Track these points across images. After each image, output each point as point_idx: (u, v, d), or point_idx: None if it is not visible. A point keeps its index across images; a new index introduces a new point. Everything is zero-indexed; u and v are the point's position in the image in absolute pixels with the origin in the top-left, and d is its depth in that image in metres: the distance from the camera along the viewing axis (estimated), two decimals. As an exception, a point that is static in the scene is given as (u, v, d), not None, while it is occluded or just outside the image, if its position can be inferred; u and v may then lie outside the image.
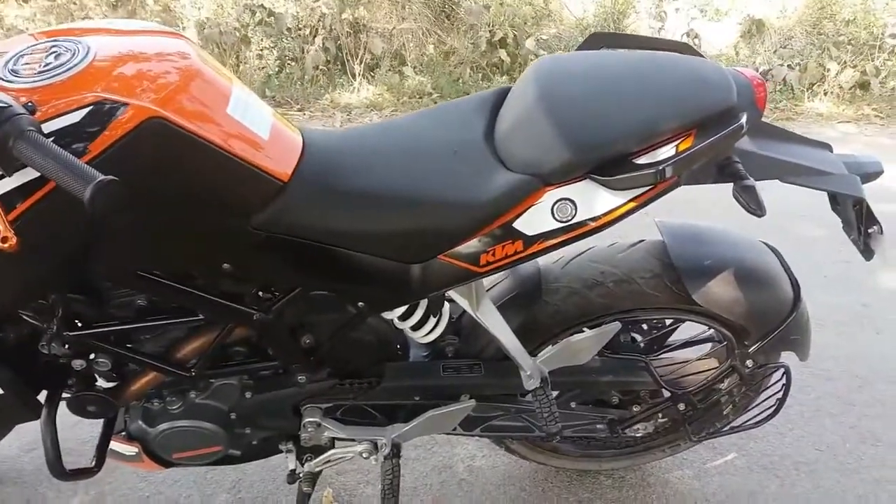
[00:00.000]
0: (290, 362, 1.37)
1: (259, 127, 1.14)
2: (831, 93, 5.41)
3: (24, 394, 1.27)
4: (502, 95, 1.32)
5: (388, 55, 5.67)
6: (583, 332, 1.45)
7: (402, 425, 1.48)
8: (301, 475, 1.53)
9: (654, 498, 1.85)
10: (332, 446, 1.55)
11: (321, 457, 1.51)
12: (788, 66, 5.66)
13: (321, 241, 1.17)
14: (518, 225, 1.15)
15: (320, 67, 5.50)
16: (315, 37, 5.60)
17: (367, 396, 1.46)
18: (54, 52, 1.05)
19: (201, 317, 1.28)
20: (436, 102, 5.21)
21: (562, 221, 1.13)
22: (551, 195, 1.13)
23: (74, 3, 6.06)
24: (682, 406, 1.54)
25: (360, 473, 1.87)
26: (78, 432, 1.94)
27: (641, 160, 1.13)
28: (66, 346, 1.23)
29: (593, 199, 1.12)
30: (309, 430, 1.45)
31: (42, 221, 0.96)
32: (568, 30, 6.50)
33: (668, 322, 1.58)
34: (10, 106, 0.84)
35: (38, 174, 0.94)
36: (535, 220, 1.14)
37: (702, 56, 1.31)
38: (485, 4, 5.76)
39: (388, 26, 5.79)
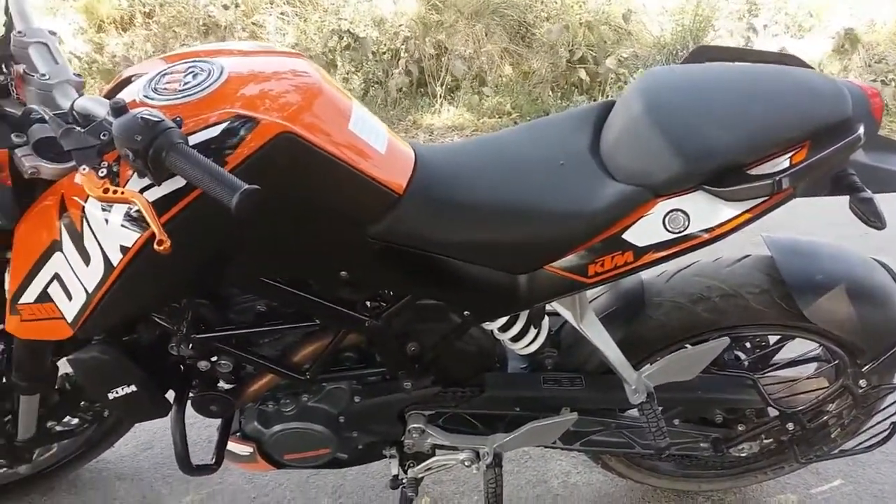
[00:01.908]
0: (397, 368, 1.42)
1: (376, 142, 1.20)
2: None
3: (154, 392, 1.36)
4: (606, 109, 1.34)
5: (469, 77, 5.76)
6: (686, 347, 1.45)
7: (503, 435, 1.50)
8: (405, 481, 1.57)
9: (755, 522, 1.80)
10: (433, 454, 1.59)
11: (424, 463, 1.55)
12: (882, 81, 5.44)
13: (432, 251, 1.22)
14: (628, 236, 1.17)
15: (403, 90, 5.64)
16: (398, 60, 5.75)
17: (468, 405, 1.49)
18: (192, 71, 1.14)
19: (316, 322, 1.35)
20: (515, 122, 5.26)
21: (674, 232, 1.14)
22: (663, 206, 1.15)
23: (172, 32, 6.43)
24: (790, 426, 1.50)
25: (455, 483, 1.90)
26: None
27: (754, 171, 1.13)
28: (193, 348, 1.32)
29: (707, 210, 1.13)
30: (413, 435, 1.50)
31: (186, 228, 1.04)
32: (645, 49, 6.45)
33: (772, 339, 1.55)
34: (163, 120, 0.92)
35: (182, 184, 1.03)
36: (646, 231, 1.16)
37: (811, 68, 1.30)
38: (564, 25, 5.78)
39: (466, 49, 5.89)
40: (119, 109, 0.93)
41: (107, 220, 1.04)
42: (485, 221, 1.21)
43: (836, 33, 6.61)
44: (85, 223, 1.06)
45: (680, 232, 1.14)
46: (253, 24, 6.60)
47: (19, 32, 1.13)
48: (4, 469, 1.60)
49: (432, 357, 1.41)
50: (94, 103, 0.99)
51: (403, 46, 5.84)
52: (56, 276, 1.13)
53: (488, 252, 1.23)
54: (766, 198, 1.12)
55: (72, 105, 1.01)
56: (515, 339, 1.44)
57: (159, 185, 0.99)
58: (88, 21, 6.53)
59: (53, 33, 1.16)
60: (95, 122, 0.96)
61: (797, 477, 1.89)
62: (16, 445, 1.52)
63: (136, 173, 0.98)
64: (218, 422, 1.53)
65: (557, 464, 1.97)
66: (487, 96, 5.54)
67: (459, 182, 1.25)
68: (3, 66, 1.12)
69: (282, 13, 6.71)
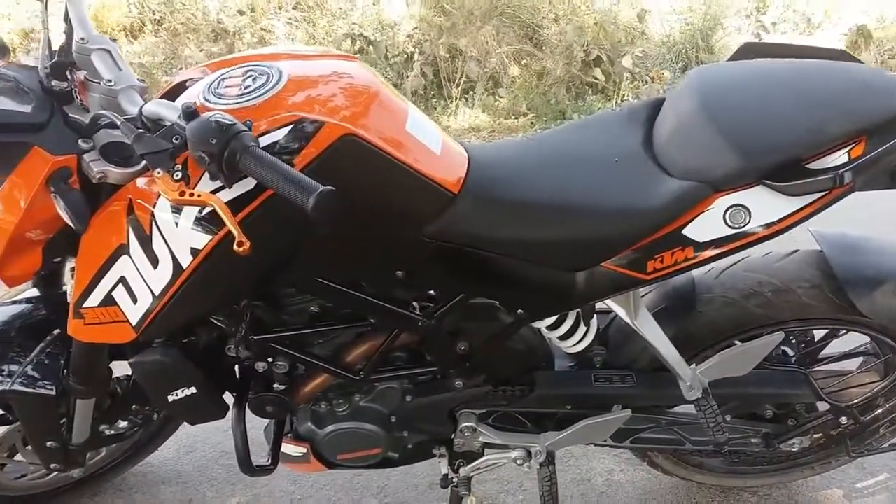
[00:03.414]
0: (448, 368, 1.43)
1: (432, 142, 1.21)
2: None
3: (213, 394, 1.37)
4: (656, 106, 1.35)
5: (483, 78, 5.77)
6: (734, 343, 1.45)
7: (555, 433, 1.50)
8: (456, 480, 1.57)
9: (802, 517, 1.80)
10: (482, 453, 1.60)
11: (477, 461, 1.56)
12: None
13: (487, 250, 1.23)
14: (687, 232, 1.17)
15: (419, 92, 5.66)
16: (412, 63, 5.77)
17: (519, 404, 1.49)
18: (250, 75, 1.15)
19: (370, 323, 1.36)
20: (533, 123, 5.26)
21: (735, 227, 1.14)
22: (723, 201, 1.15)
23: (184, 38, 6.46)
24: (843, 420, 1.50)
25: (499, 483, 1.90)
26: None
27: (813, 166, 1.13)
28: (251, 349, 1.33)
29: (768, 205, 1.13)
30: (465, 434, 1.50)
31: (255, 230, 1.05)
32: (654, 48, 6.44)
33: (817, 334, 1.55)
34: (236, 123, 0.93)
35: (251, 187, 1.04)
36: (706, 226, 1.16)
37: (861, 62, 1.30)
38: (578, 25, 5.79)
39: (479, 51, 5.90)
40: (191, 113, 0.94)
41: (177, 223, 1.06)
42: (541, 219, 1.22)
43: (848, 29, 6.60)
44: (154, 226, 1.07)
45: (741, 227, 1.14)
46: (262, 29, 6.65)
47: (82, 39, 1.14)
48: (58, 473, 1.61)
49: (483, 356, 1.42)
50: (164, 107, 1.00)
51: (417, 49, 5.87)
52: (122, 280, 1.14)
53: (544, 250, 1.23)
54: (825, 192, 1.13)
55: (140, 110, 1.02)
56: (564, 336, 1.45)
57: (230, 187, 1.00)
58: (98, 29, 6.58)
59: (114, 40, 1.17)
60: (167, 126, 0.97)
61: (841, 472, 1.88)
62: (70, 449, 1.53)
63: (208, 176, 0.99)
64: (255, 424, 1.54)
65: (600, 462, 1.97)
66: (502, 97, 5.55)
67: (514, 180, 1.25)
68: (67, 72, 1.13)
69: (290, 18, 6.76)
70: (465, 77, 5.67)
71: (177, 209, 1.05)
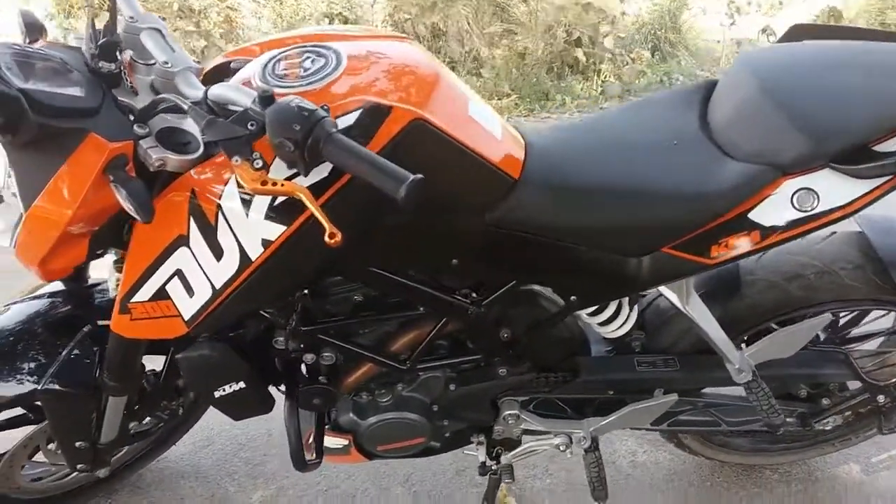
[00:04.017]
0: (493, 355, 1.41)
1: (493, 127, 1.18)
2: None
3: (260, 387, 1.33)
4: (708, 88, 1.34)
5: (465, 58, 5.72)
6: (771, 326, 1.46)
7: (599, 419, 1.50)
8: (499, 467, 1.56)
9: (824, 492, 1.84)
10: (520, 440, 1.59)
11: (521, 448, 1.55)
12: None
13: (545, 236, 1.21)
14: (753, 216, 1.16)
15: (399, 73, 5.58)
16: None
17: (562, 390, 1.48)
18: (308, 57, 1.11)
19: (416, 311, 1.33)
20: (517, 104, 5.24)
21: (803, 211, 1.14)
22: (790, 185, 1.14)
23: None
24: (881, 398, 1.53)
25: (526, 468, 1.90)
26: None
27: (879, 149, 1.13)
28: (300, 341, 1.29)
29: (836, 188, 1.13)
30: (509, 422, 1.49)
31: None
32: (623, 28, 6.43)
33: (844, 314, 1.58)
34: (316, 110, 0.89)
35: (325, 175, 1.00)
36: (773, 210, 1.15)
37: None
38: (559, 6, 5.76)
39: (460, 30, 5.84)
40: (268, 98, 0.90)
41: (247, 214, 1.01)
42: (603, 204, 1.20)
43: (820, 10, 6.71)
44: (220, 217, 1.02)
45: (810, 210, 1.14)
46: (228, 7, 6.48)
47: (131, 18, 1.08)
48: (85, 473, 1.55)
49: (527, 343, 1.40)
50: (235, 91, 0.95)
51: (398, 29, 5.78)
52: (178, 273, 1.09)
53: (606, 235, 1.21)
54: (893, 175, 1.13)
55: (205, 94, 0.97)
56: (606, 322, 1.44)
57: (306, 175, 0.96)
58: (58, 6, 6.36)
59: (163, 19, 1.11)
60: (240, 112, 0.92)
61: (857, 448, 1.92)
62: (98, 448, 1.48)
63: (285, 164, 0.94)
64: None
65: (623, 444, 1.98)
66: (484, 77, 5.51)
67: (572, 165, 1.23)
68: (117, 53, 1.07)
69: (257, -5, 6.61)
70: (447, 57, 5.61)
71: (247, 199, 1.01)
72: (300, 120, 0.87)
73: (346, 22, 5.90)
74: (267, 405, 1.37)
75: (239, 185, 1.00)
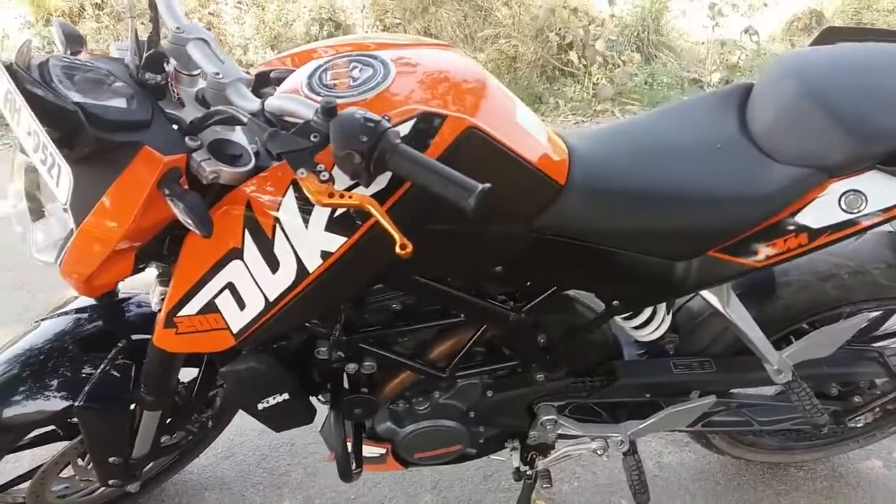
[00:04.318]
0: (531, 361, 1.41)
1: (538, 133, 1.18)
2: None
3: (303, 398, 1.32)
4: (744, 92, 1.34)
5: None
6: (804, 326, 1.47)
7: (637, 422, 1.51)
8: (534, 472, 1.56)
9: (848, 488, 1.85)
10: (554, 445, 1.59)
11: (557, 452, 1.55)
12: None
13: (591, 241, 1.21)
14: (801, 218, 1.17)
15: (392, 77, 5.56)
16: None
17: (600, 394, 1.48)
18: (355, 66, 1.10)
19: (455, 319, 1.33)
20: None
21: (851, 213, 1.15)
22: (837, 187, 1.15)
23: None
24: (914, 395, 1.55)
25: (555, 471, 1.89)
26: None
27: None
28: (344, 350, 1.29)
29: (883, 189, 1.14)
30: (547, 427, 1.49)
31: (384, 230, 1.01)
32: (605, 31, 6.44)
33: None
34: (381, 121, 0.88)
35: (383, 186, 0.99)
36: (821, 212, 1.16)
37: None
38: (550, 8, 5.78)
39: (451, 33, 5.84)
40: (331, 109, 0.88)
41: (306, 226, 1.00)
42: (648, 208, 1.20)
43: (801, 12, 6.79)
44: (278, 229, 1.01)
45: (858, 212, 1.15)
46: (210, 14, 6.43)
47: (178, 29, 1.06)
48: (116, 489, 1.53)
49: (565, 348, 1.40)
50: (294, 103, 0.94)
51: (388, 32, 5.76)
52: (229, 286, 1.07)
53: (652, 240, 1.21)
54: None
55: (263, 105, 0.96)
56: (641, 325, 1.44)
57: (367, 186, 0.95)
58: (36, 14, 6.28)
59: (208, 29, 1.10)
60: (302, 124, 0.91)
61: (878, 444, 1.94)
62: (130, 463, 1.45)
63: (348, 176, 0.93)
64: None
65: (648, 445, 1.99)
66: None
67: (616, 169, 1.23)
68: (164, 64, 1.05)
69: (238, 2, 6.55)
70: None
71: (306, 211, 0.99)
72: (366, 131, 0.86)
73: (337, 27, 5.88)
74: (309, 416, 1.36)
75: (298, 198, 0.99)
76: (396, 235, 0.88)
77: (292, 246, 1.02)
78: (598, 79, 5.53)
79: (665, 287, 1.27)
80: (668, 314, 1.46)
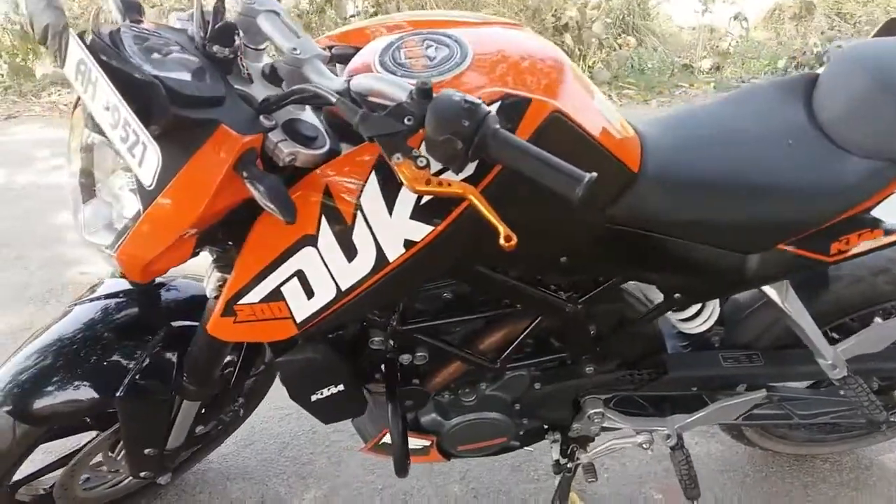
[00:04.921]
0: (582, 353, 1.38)
1: (613, 118, 1.14)
2: None
3: (357, 389, 1.27)
4: (809, 82, 1.31)
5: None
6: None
7: (685, 416, 1.49)
8: (575, 464, 1.54)
9: (874, 480, 1.87)
10: (593, 438, 1.57)
11: (603, 445, 1.53)
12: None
13: (659, 232, 1.18)
14: (878, 213, 1.15)
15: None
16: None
17: (648, 387, 1.46)
18: (429, 45, 1.05)
19: (508, 309, 1.29)
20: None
21: (931, 208, 1.13)
22: None
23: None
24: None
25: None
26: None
27: None
28: (400, 340, 1.24)
29: (965, 184, 1.13)
30: (594, 420, 1.46)
31: (472, 218, 0.97)
32: (601, 13, 6.37)
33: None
34: (481, 104, 0.82)
35: (470, 173, 0.94)
36: None
37: None
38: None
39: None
40: (427, 91, 0.83)
41: (390, 213, 0.95)
42: (721, 200, 1.17)
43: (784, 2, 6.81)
44: (359, 216, 0.96)
45: (938, 208, 1.13)
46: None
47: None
48: (147, 480, 1.47)
49: (615, 340, 1.38)
50: (384, 83, 0.88)
51: (381, 7, 5.64)
52: (298, 273, 1.02)
53: (722, 231, 1.19)
54: None
55: (348, 85, 0.90)
56: (690, 318, 1.42)
57: (457, 173, 0.90)
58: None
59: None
60: (394, 105, 0.85)
61: (899, 436, 1.96)
62: (164, 455, 1.40)
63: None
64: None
65: (674, 437, 1.97)
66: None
67: (688, 158, 1.20)
68: (235, 37, 0.98)
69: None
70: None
71: (390, 197, 0.94)
72: (468, 115, 0.80)
73: (327, 1, 5.75)
74: (361, 408, 1.31)
75: (381, 184, 0.94)
76: (501, 227, 0.83)
77: (373, 234, 0.97)
78: (593, 62, 5.49)
79: (731, 280, 1.25)
80: (717, 306, 1.44)
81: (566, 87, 1.05)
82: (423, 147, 0.84)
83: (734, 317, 1.52)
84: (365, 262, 0.99)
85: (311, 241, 0.99)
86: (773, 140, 1.22)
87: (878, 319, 1.52)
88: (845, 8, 6.86)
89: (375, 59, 1.04)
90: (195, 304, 1.33)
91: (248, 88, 1.00)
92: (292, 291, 1.04)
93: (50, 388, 1.23)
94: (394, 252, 0.98)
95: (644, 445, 1.51)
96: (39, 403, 1.22)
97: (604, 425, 1.50)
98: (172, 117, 0.85)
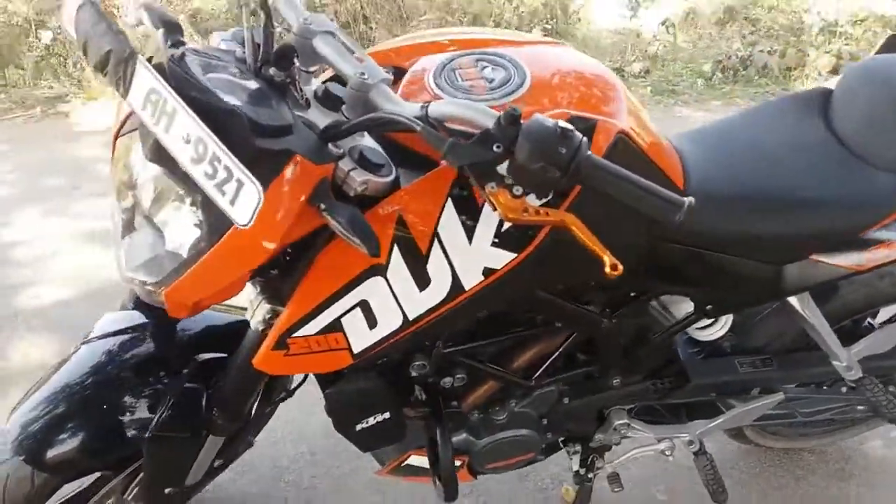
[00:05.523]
0: (611, 366, 1.39)
1: (660, 136, 1.14)
2: (809, 76, 5.65)
3: (401, 416, 1.23)
4: (823, 97, 1.36)
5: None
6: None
7: (706, 421, 1.52)
8: (595, 475, 1.55)
9: (859, 468, 1.96)
10: (611, 448, 1.58)
11: (625, 455, 1.54)
12: (768, 51, 5.84)
13: (698, 246, 1.20)
14: None
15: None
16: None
17: (670, 396, 1.48)
18: (483, 66, 1.03)
19: (543, 326, 1.29)
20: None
21: (953, 218, 1.19)
22: None
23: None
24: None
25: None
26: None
27: None
28: (443, 363, 1.22)
29: (983, 196, 1.19)
30: (621, 431, 1.48)
31: (555, 245, 0.97)
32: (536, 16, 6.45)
33: None
34: (574, 131, 0.80)
35: (547, 199, 0.93)
36: None
37: None
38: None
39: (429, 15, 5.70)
40: (516, 118, 0.81)
41: (470, 241, 0.92)
42: (760, 214, 1.20)
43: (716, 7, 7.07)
44: (436, 244, 0.93)
45: (959, 219, 1.19)
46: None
47: (306, 20, 0.94)
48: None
49: (641, 352, 1.39)
50: (468, 109, 0.85)
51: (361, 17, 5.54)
52: (362, 304, 0.98)
53: (759, 244, 1.21)
54: None
55: (426, 111, 0.86)
56: (706, 326, 1.45)
57: (539, 198, 0.88)
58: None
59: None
60: (481, 133, 0.82)
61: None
62: (183, 492, 1.32)
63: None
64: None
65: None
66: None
67: (724, 174, 1.22)
68: (294, 59, 0.93)
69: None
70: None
71: (470, 225, 0.92)
72: (564, 143, 0.79)
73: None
74: (402, 433, 1.27)
75: (459, 211, 0.91)
76: (606, 255, 0.82)
77: (450, 262, 0.94)
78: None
79: (765, 291, 1.28)
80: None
81: (624, 107, 1.05)
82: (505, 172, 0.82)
83: (745, 323, 1.56)
84: (438, 291, 0.96)
85: (380, 270, 0.95)
86: (799, 154, 1.26)
87: (870, 321, 1.61)
88: (753, 14, 7.17)
89: (430, 81, 1.01)
90: (216, 336, 1.27)
91: (306, 114, 0.95)
92: (353, 322, 0.99)
93: (70, 436, 1.13)
94: (471, 280, 0.95)
95: (666, 452, 1.53)
96: (60, 452, 1.13)
97: (626, 435, 1.52)
98: (255, 150, 0.79)
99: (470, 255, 0.94)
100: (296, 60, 0.93)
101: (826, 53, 5.69)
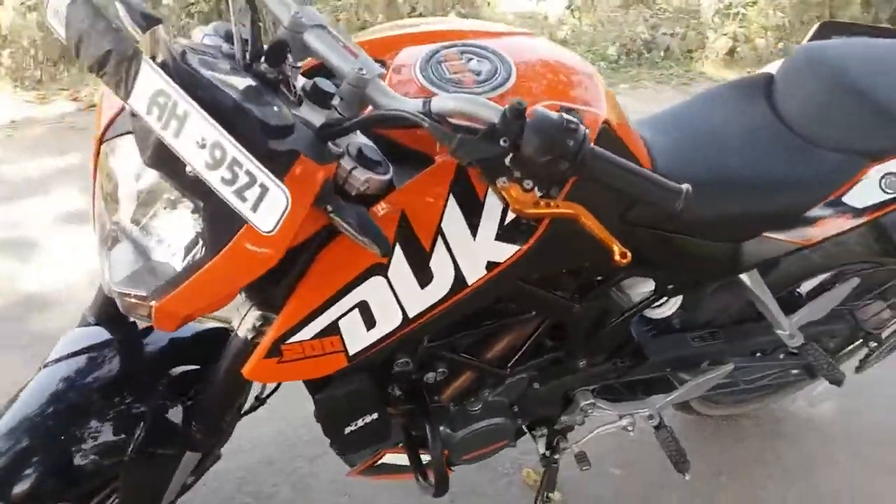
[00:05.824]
0: (578, 349, 1.43)
1: (632, 125, 1.19)
2: (709, 58, 5.98)
3: (387, 415, 1.22)
4: (765, 82, 1.44)
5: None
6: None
7: (663, 396, 1.59)
8: (561, 456, 1.59)
9: (790, 427, 2.13)
10: (574, 428, 1.63)
11: (590, 434, 1.59)
12: (671, 34, 6.13)
13: (663, 229, 1.25)
14: (848, 199, 1.30)
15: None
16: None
17: (631, 373, 1.54)
18: (469, 58, 1.04)
19: (518, 315, 1.31)
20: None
21: (890, 193, 1.30)
22: (877, 170, 1.29)
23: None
24: (872, 344, 1.79)
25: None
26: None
27: None
28: (428, 358, 1.22)
29: (919, 170, 1.30)
30: (587, 412, 1.53)
31: (556, 234, 0.99)
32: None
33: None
34: (579, 123, 0.83)
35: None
36: (864, 193, 1.30)
37: None
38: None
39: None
40: (521, 112, 0.82)
41: (474, 236, 0.92)
42: (716, 196, 1.26)
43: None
44: (439, 241, 0.92)
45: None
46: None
47: (297, 14, 0.91)
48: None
49: (604, 334, 1.44)
50: (472, 104, 0.85)
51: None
52: (360, 305, 0.96)
53: (717, 225, 1.28)
54: None
55: (428, 106, 0.86)
56: (660, 304, 1.52)
57: (541, 191, 0.90)
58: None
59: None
60: (487, 128, 0.83)
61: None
62: (156, 513, 1.26)
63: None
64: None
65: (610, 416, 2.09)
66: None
67: (683, 159, 1.28)
68: (288, 55, 0.89)
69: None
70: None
71: (473, 220, 0.92)
72: (571, 135, 0.81)
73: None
74: (389, 433, 1.26)
75: (462, 206, 0.91)
76: (615, 245, 0.84)
77: (453, 258, 0.94)
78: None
79: (722, 268, 1.36)
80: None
81: (603, 97, 1.07)
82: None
83: (694, 299, 1.64)
84: (440, 287, 0.96)
85: (381, 270, 0.94)
86: (749, 138, 1.34)
87: (798, 291, 1.73)
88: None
89: (417, 74, 1.00)
90: (187, 347, 1.21)
91: (299, 111, 0.92)
92: (350, 323, 0.98)
93: (35, 470, 1.05)
94: (474, 275, 0.95)
95: (628, 428, 1.60)
96: (27, 488, 1.04)
97: (591, 415, 1.57)
98: (268, 151, 0.76)
99: (474, 249, 0.94)
100: (289, 56, 0.90)
101: (724, 35, 6.02)
